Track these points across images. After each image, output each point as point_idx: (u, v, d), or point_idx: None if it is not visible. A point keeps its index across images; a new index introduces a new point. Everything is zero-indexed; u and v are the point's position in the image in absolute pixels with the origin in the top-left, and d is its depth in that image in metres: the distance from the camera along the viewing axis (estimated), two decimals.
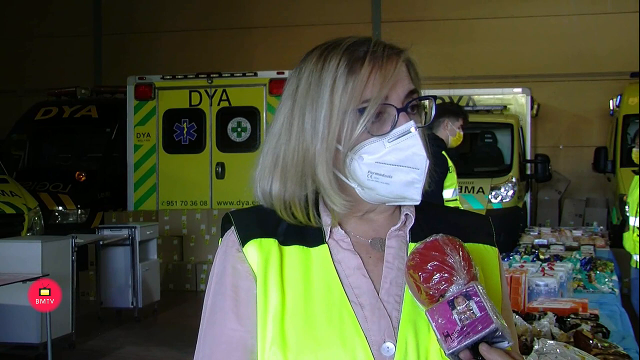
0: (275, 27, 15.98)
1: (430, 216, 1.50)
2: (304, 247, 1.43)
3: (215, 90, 12.03)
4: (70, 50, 17.17)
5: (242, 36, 16.21)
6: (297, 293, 1.39)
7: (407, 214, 1.47)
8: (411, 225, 1.47)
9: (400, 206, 1.48)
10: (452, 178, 5.98)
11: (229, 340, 1.40)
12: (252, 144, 11.73)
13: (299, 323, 1.37)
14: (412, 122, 1.38)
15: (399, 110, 1.38)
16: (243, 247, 1.43)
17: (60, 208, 11.71)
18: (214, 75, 12.09)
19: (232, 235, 1.46)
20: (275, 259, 1.41)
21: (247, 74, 11.96)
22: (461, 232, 1.42)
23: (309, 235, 1.44)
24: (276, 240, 1.43)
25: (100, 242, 9.04)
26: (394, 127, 1.38)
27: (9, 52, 17.24)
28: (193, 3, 16.77)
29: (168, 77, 12.25)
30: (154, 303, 9.40)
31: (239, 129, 11.96)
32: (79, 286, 9.31)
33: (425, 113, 1.47)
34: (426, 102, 1.46)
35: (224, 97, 12.02)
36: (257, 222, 1.46)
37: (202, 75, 12.10)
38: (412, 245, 1.44)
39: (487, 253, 1.51)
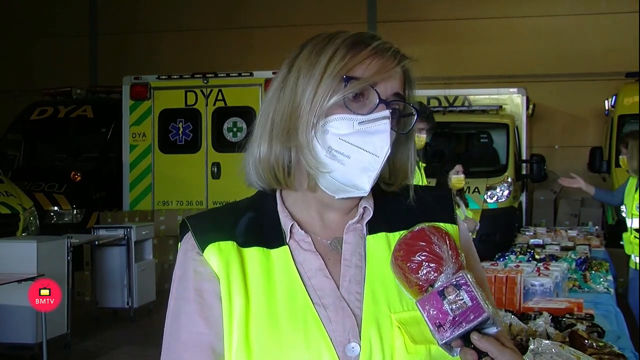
0: (271, 27, 15.99)
1: (387, 204, 1.49)
2: (264, 248, 1.41)
3: (211, 90, 12.03)
4: (66, 50, 17.16)
5: (238, 36, 16.21)
6: (260, 297, 1.37)
7: (365, 207, 1.46)
8: (369, 217, 1.46)
9: (358, 200, 1.47)
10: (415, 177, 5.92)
11: (197, 344, 1.37)
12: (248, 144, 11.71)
13: (263, 327, 1.35)
14: (387, 112, 1.38)
15: (380, 101, 1.38)
16: (203, 251, 1.41)
17: (56, 208, 11.70)
18: (210, 75, 12.10)
19: (190, 239, 1.44)
20: (236, 262, 1.39)
21: (242, 74, 11.96)
22: (420, 214, 1.44)
23: (268, 235, 1.43)
24: (235, 243, 1.41)
25: (96, 242, 9.02)
26: (370, 112, 1.38)
27: (4, 52, 17.22)
28: (189, 3, 16.76)
29: (164, 77, 12.24)
30: (149, 303, 9.38)
31: (235, 129, 11.96)
32: (75, 286, 9.30)
33: (405, 124, 1.47)
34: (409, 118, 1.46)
35: (220, 97, 12.02)
36: (214, 225, 1.44)
37: (198, 75, 12.10)
38: (369, 238, 1.44)
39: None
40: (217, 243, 1.41)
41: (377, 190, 1.49)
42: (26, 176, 12.06)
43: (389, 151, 1.38)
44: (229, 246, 1.41)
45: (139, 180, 12.25)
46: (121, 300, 9.02)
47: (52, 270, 6.94)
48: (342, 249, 1.44)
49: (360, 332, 1.36)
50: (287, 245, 1.42)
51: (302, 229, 1.44)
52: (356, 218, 1.45)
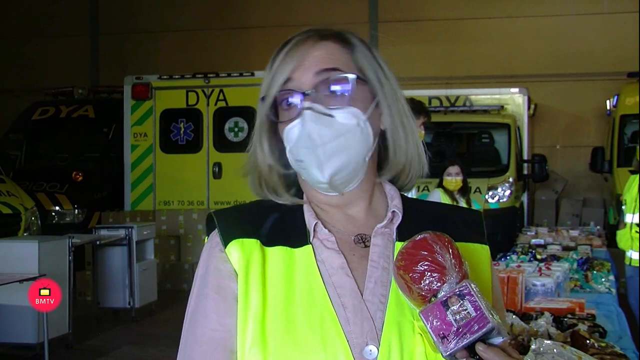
0: (272, 27, 15.95)
1: (418, 213, 1.47)
2: (288, 247, 1.41)
3: (212, 90, 12.04)
4: (67, 50, 17.16)
5: (239, 36, 16.21)
6: (278, 294, 1.36)
7: (394, 211, 1.44)
8: (398, 222, 1.44)
9: (386, 200, 1.47)
10: None
11: (210, 340, 1.38)
12: (249, 144, 11.72)
13: (280, 325, 1.34)
14: (305, 103, 1.37)
15: (297, 94, 1.38)
16: (225, 247, 1.41)
17: (57, 208, 11.70)
18: (211, 75, 12.10)
19: (215, 236, 1.44)
20: (257, 259, 1.39)
21: (244, 74, 11.95)
22: (451, 230, 1.38)
23: (293, 234, 1.42)
24: (259, 241, 1.41)
25: (97, 242, 9.03)
26: (299, 111, 1.38)
27: (6, 51, 17.22)
28: (190, 3, 16.76)
29: (165, 77, 12.25)
30: (151, 303, 9.39)
31: (236, 129, 11.96)
32: (76, 286, 9.30)
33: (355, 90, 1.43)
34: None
35: (221, 97, 12.02)
36: (239, 221, 1.45)
37: (199, 75, 12.10)
38: (398, 244, 1.41)
39: (477, 252, 1.46)
40: (240, 240, 1.41)
41: (405, 199, 1.49)
42: (28, 176, 12.07)
43: (313, 138, 1.36)
44: (252, 244, 1.41)
45: (141, 180, 12.25)
46: (122, 300, 9.02)
47: (53, 270, 6.94)
48: (367, 245, 1.42)
49: (380, 335, 1.34)
50: (310, 244, 1.41)
51: (326, 227, 1.43)
52: (385, 222, 1.43)
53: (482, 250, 1.47)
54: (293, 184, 1.49)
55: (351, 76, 1.39)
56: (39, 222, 10.13)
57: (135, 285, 8.96)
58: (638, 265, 6.57)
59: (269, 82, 1.41)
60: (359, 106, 1.40)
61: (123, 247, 9.03)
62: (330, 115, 1.37)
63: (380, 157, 1.48)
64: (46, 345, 6.48)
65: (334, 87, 1.39)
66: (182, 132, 12.15)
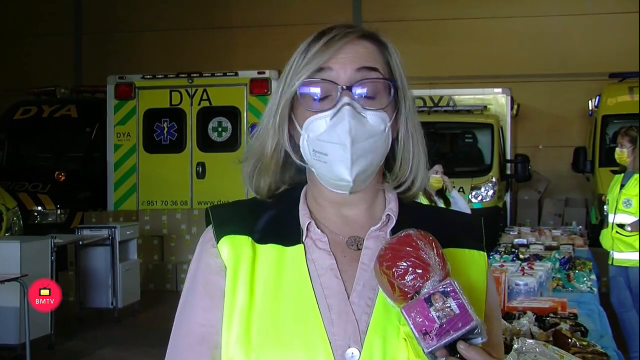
0: (256, 26, 15.96)
1: (416, 217, 1.45)
2: (280, 246, 1.41)
3: (196, 90, 12.01)
4: (50, 50, 17.05)
5: (223, 36, 16.18)
6: (266, 292, 1.37)
7: (388, 215, 1.44)
8: (392, 225, 1.43)
9: (385, 205, 1.46)
10: None
11: (194, 335, 1.39)
12: (232, 143, 11.72)
13: (265, 322, 1.35)
14: (345, 99, 1.37)
15: (342, 89, 1.38)
16: (217, 243, 1.42)
17: (40, 208, 11.62)
18: (195, 75, 12.07)
19: (209, 231, 1.45)
20: (247, 256, 1.40)
21: (227, 74, 11.95)
22: (447, 235, 1.39)
23: (286, 233, 1.42)
24: (250, 238, 1.42)
25: (80, 242, 8.98)
26: (335, 105, 1.38)
27: None
28: (174, 2, 16.71)
29: (148, 76, 12.20)
30: (134, 303, 9.36)
31: (220, 129, 11.94)
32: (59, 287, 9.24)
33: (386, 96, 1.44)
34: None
35: (205, 96, 12.00)
36: (234, 218, 1.46)
37: (183, 75, 12.07)
38: None
39: (472, 259, 1.45)
40: (232, 236, 1.42)
41: (403, 202, 1.48)
42: (9, 176, 11.97)
43: (350, 138, 1.35)
44: (243, 240, 1.42)
45: (124, 180, 12.20)
46: (105, 301, 8.99)
47: (36, 271, 6.90)
48: (359, 248, 1.42)
49: (364, 338, 1.34)
50: (302, 244, 1.41)
51: (319, 227, 1.43)
52: (379, 225, 1.43)
53: (478, 257, 1.46)
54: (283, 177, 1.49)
55: (391, 82, 1.42)
56: (21, 222, 10.06)
57: (118, 286, 8.92)
58: (620, 265, 6.62)
59: (301, 68, 1.40)
60: (387, 111, 1.42)
61: (106, 247, 9.00)
62: (364, 116, 1.39)
63: (388, 164, 1.48)
64: (28, 346, 6.43)
65: (372, 88, 1.40)
66: (165, 131, 12.12)
